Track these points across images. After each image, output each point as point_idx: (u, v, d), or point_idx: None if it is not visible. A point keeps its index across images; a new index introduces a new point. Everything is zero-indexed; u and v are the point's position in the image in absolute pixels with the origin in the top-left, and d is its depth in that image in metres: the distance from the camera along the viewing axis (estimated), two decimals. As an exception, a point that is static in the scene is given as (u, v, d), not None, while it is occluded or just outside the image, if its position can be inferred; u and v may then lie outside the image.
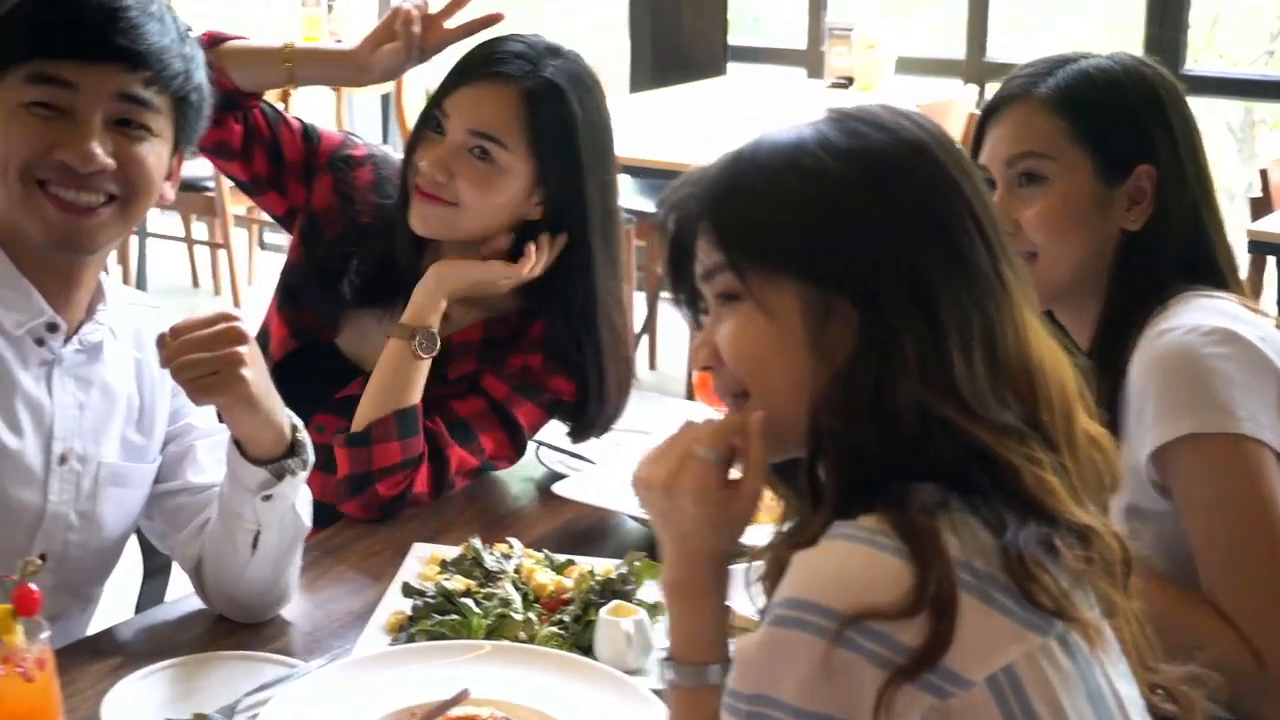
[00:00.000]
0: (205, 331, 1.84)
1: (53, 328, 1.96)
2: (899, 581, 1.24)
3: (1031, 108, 1.99)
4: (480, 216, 2.38)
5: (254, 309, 6.41)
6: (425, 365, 2.39)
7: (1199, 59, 6.42)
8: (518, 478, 2.54)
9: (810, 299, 1.35)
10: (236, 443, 1.93)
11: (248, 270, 7.01)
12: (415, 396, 2.38)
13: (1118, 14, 7.04)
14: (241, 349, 1.84)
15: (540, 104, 2.34)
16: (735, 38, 6.78)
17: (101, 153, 1.86)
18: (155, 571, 2.55)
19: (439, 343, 2.39)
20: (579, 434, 2.56)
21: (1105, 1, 7.35)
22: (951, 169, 1.38)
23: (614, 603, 1.93)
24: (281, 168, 2.55)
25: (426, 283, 2.40)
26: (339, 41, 6.88)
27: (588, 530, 2.34)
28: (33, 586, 1.56)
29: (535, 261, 2.39)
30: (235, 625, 2.03)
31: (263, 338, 2.59)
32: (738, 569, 1.98)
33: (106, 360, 2.03)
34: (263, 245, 7.50)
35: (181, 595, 2.68)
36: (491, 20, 2.46)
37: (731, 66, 6.66)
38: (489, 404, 2.45)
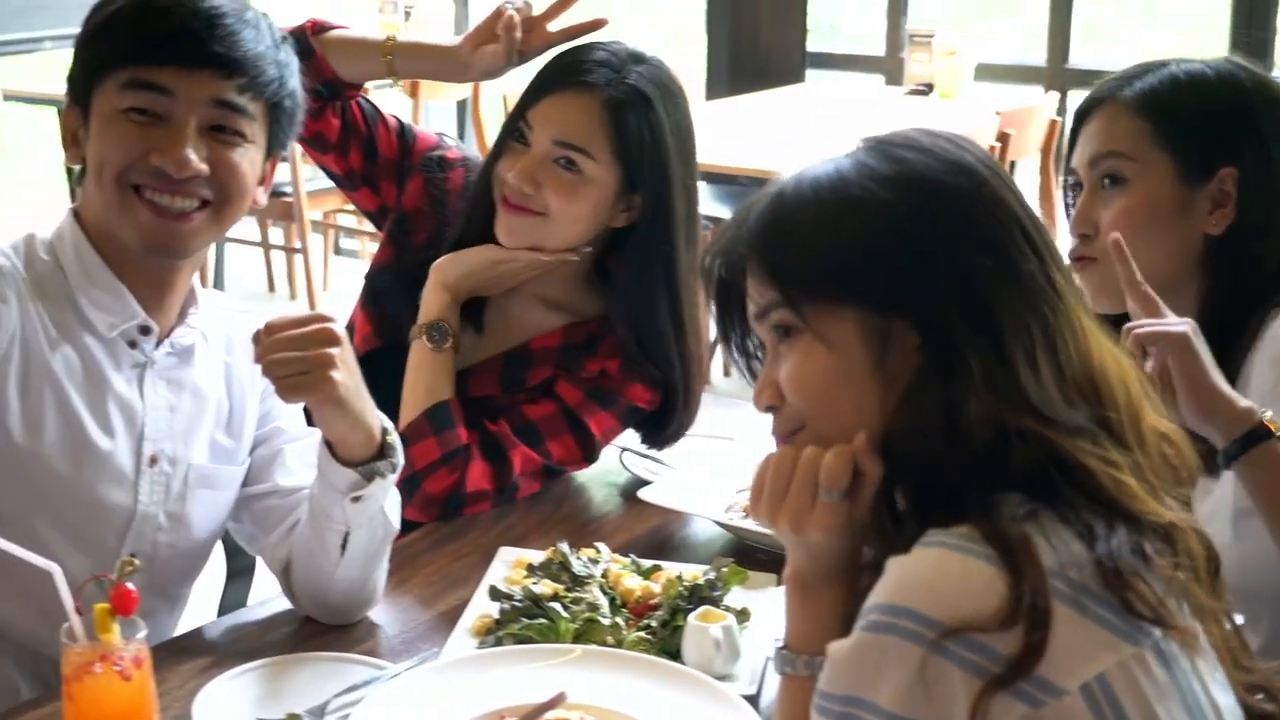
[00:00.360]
0: (298, 331, 1.84)
1: (145, 330, 1.97)
2: (993, 589, 1.25)
3: (1116, 110, 1.99)
4: (568, 225, 2.38)
5: (329, 313, 6.37)
6: (447, 359, 2.41)
7: (1282, 63, 6.34)
8: (601, 483, 2.54)
9: (869, 325, 1.37)
10: (327, 444, 1.94)
11: (323, 275, 7.05)
12: (445, 392, 2.40)
13: (1201, 18, 6.97)
14: (333, 350, 1.85)
15: (625, 112, 2.34)
16: (812, 44, 6.76)
17: (196, 158, 1.88)
18: (239, 573, 2.56)
19: (450, 334, 2.41)
20: (658, 441, 2.56)
21: (1189, 5, 7.26)
22: (996, 185, 1.40)
23: (702, 608, 1.92)
24: (375, 164, 2.55)
25: (429, 280, 2.43)
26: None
27: (672, 535, 2.34)
28: (130, 586, 1.58)
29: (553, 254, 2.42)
30: (322, 627, 2.03)
31: (347, 334, 2.59)
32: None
33: (197, 363, 2.05)
34: (338, 250, 7.56)
35: (265, 597, 2.72)
36: (595, 25, 2.44)
37: (809, 73, 6.63)
38: (560, 409, 2.45)
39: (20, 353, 1.87)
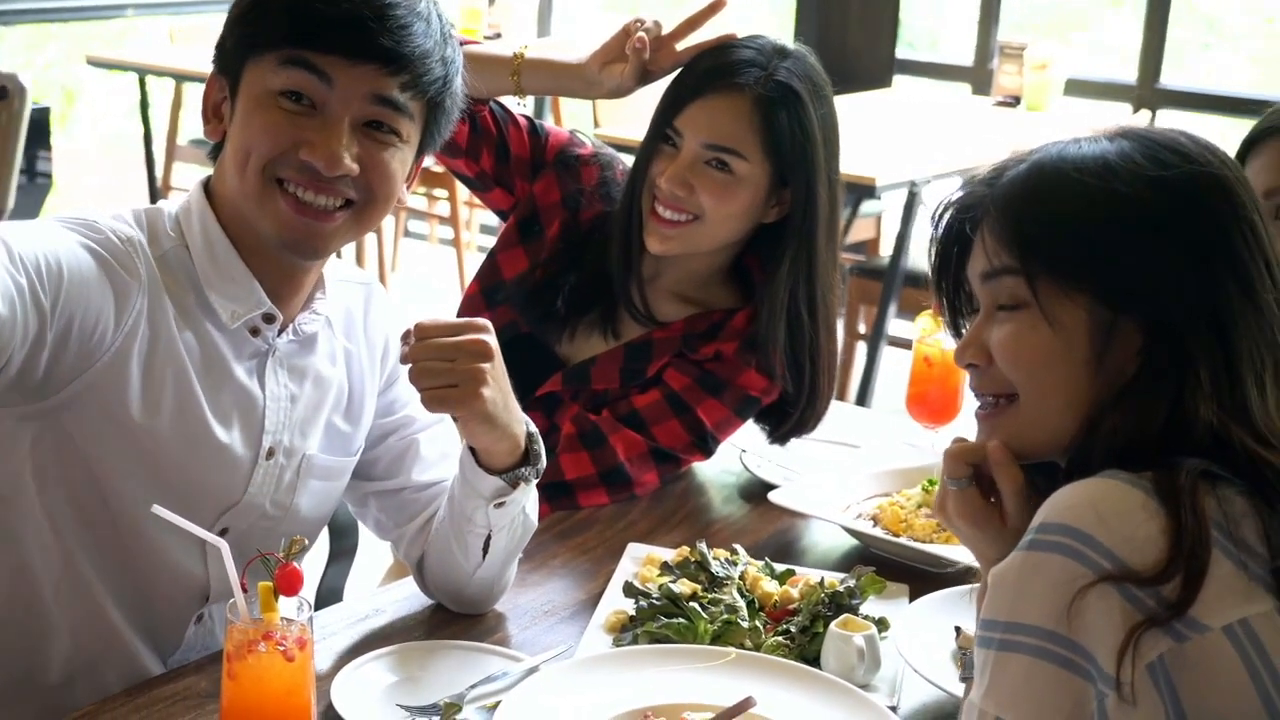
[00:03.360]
0: (449, 340, 1.79)
1: (269, 318, 1.88)
2: (1152, 514, 1.29)
3: None
4: (721, 225, 2.36)
5: (394, 295, 6.35)
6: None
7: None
8: (722, 483, 2.52)
9: (1098, 316, 1.39)
10: (471, 451, 1.90)
11: (392, 257, 7.04)
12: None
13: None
14: (484, 365, 1.79)
15: (776, 110, 2.31)
16: (902, 51, 6.72)
17: (348, 157, 1.77)
18: (341, 555, 2.53)
19: None
20: (780, 435, 2.53)
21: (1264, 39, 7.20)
22: (1250, 209, 1.41)
23: (843, 616, 1.90)
24: (507, 164, 2.52)
25: None
26: (499, 35, 6.89)
27: (797, 539, 2.31)
28: (297, 565, 1.56)
29: None
30: (452, 615, 2.02)
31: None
32: (963, 589, 1.98)
33: (320, 350, 1.96)
34: (407, 233, 7.55)
35: (372, 580, 2.71)
36: (725, 42, 2.39)
37: (896, 79, 6.60)
38: (665, 394, 2.43)
39: (148, 329, 1.77)
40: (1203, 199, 1.39)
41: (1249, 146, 1.99)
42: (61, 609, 1.85)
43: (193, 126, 6.68)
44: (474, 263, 6.87)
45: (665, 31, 2.40)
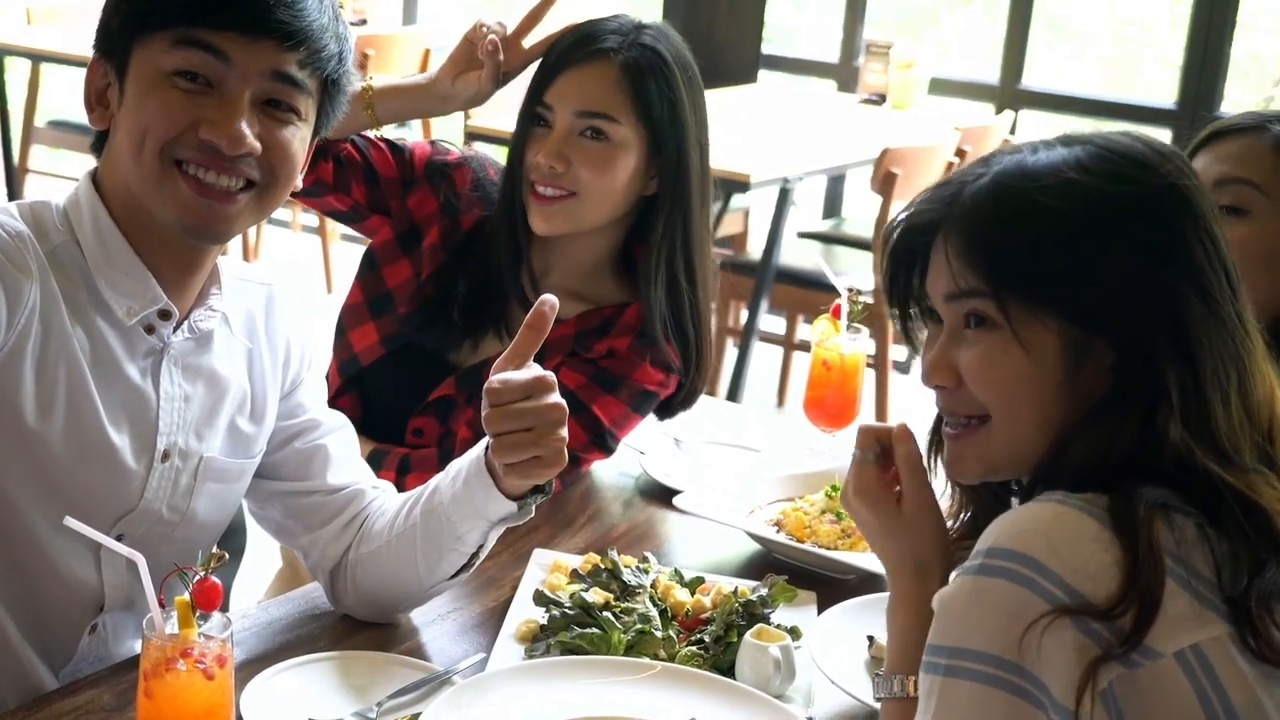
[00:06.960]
0: (527, 406, 1.76)
1: (165, 315, 1.82)
2: (1101, 539, 1.29)
3: (1260, 141, 1.93)
4: (602, 199, 2.36)
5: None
6: None
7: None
8: (620, 487, 2.51)
9: (1070, 337, 1.39)
10: (491, 475, 1.84)
11: (256, 241, 6.94)
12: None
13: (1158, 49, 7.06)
14: (564, 432, 1.78)
15: (644, 73, 2.33)
16: (767, 47, 6.76)
17: (250, 134, 1.74)
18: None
19: None
20: (670, 408, 2.53)
21: (1145, 35, 7.33)
22: (1208, 218, 1.41)
23: (757, 626, 1.89)
24: (379, 188, 2.49)
25: None
26: (364, 21, 6.81)
27: (699, 543, 2.30)
28: (215, 579, 1.51)
29: None
30: (358, 624, 1.97)
31: (341, 337, 2.53)
32: (874, 598, 1.99)
33: (216, 349, 1.91)
34: (269, 219, 7.44)
35: (257, 584, 2.65)
36: (577, 27, 2.40)
37: (762, 75, 6.63)
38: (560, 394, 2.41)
39: (41, 328, 1.72)
40: (1164, 211, 1.39)
41: (1207, 140, 1.97)
42: None
43: (50, 108, 6.52)
44: (338, 251, 6.80)
45: (510, 32, 2.41)
